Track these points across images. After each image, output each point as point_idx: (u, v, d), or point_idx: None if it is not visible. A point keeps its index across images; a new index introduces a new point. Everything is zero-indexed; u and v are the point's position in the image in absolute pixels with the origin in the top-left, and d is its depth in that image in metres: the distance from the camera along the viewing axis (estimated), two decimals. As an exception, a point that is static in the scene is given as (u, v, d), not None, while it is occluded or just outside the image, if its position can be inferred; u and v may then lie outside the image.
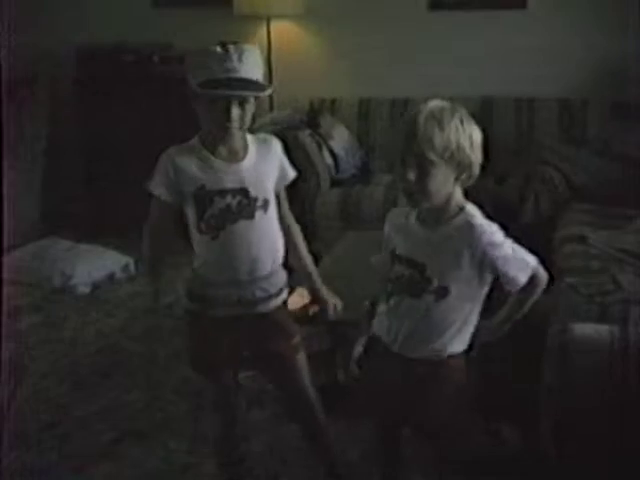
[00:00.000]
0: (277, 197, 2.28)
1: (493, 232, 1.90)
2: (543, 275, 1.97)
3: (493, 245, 1.88)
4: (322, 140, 4.62)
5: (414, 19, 4.92)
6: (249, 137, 2.24)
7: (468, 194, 1.98)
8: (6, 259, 4.45)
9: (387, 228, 2.08)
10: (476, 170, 1.92)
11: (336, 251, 3.60)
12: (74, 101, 5.06)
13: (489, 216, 1.97)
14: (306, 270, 2.39)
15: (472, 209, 1.96)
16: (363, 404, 2.22)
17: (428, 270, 1.93)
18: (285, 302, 2.34)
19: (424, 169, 1.84)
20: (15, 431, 2.88)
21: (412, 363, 2.00)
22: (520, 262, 1.92)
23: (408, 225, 2.00)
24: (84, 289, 4.37)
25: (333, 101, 4.99)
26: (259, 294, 2.24)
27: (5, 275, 4.34)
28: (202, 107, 2.13)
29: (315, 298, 2.41)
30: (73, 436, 2.99)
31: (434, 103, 1.89)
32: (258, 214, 2.19)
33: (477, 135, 1.91)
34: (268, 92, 2.18)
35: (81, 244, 4.70)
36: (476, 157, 1.91)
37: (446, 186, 1.89)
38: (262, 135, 2.31)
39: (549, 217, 3.97)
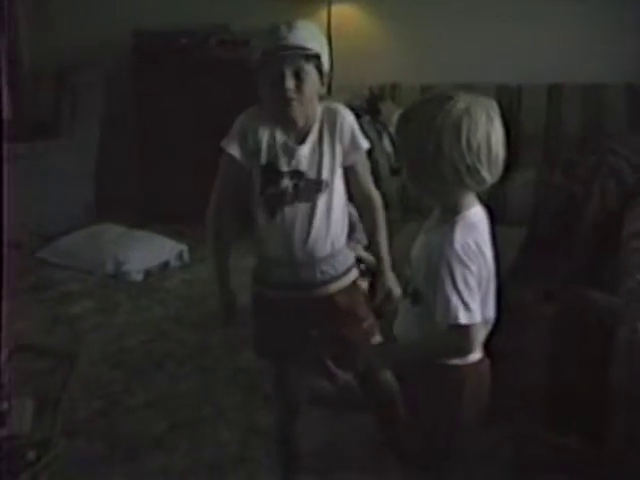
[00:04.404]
0: (353, 168, 2.22)
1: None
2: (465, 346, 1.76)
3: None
4: (382, 127, 4.49)
5: (478, 2, 4.76)
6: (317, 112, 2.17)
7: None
8: (59, 244, 4.47)
9: None
10: None
11: (397, 242, 3.48)
12: (129, 85, 5.01)
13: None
14: (377, 247, 2.30)
15: None
16: None
17: None
18: (354, 282, 2.26)
19: None
20: (66, 419, 2.83)
21: None
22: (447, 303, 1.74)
23: None
24: (137, 276, 4.31)
25: (394, 87, 4.86)
26: (319, 277, 2.19)
27: (57, 260, 4.37)
28: (262, 84, 2.12)
29: (378, 281, 2.30)
30: (124, 425, 2.94)
31: None
32: (315, 197, 2.15)
33: None
34: (320, 56, 2.10)
35: (135, 230, 4.65)
36: None
37: None
38: (330, 106, 2.21)
39: (617, 210, 3.80)
